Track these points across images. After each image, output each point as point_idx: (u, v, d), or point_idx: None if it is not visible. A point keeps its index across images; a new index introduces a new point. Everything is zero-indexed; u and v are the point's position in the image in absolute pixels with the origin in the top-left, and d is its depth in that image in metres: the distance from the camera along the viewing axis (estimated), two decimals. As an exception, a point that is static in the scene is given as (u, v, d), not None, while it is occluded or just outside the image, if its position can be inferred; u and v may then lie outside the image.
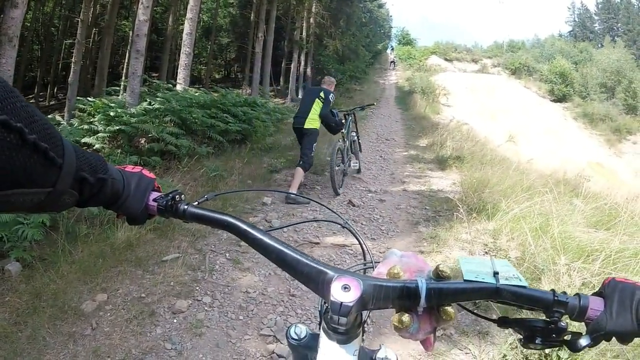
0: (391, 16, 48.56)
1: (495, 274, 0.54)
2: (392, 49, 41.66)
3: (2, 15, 6.01)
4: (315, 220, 0.96)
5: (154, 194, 0.72)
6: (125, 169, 0.70)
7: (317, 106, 5.21)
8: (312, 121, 5.20)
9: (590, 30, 55.66)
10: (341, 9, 19.24)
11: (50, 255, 3.06)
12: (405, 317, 0.53)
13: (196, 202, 0.73)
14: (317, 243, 3.94)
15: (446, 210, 4.98)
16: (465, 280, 0.54)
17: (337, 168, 5.30)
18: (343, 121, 5.78)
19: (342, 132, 5.72)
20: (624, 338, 0.50)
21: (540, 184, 5.36)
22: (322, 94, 5.26)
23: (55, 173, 0.46)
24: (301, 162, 5.15)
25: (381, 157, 8.45)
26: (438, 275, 0.55)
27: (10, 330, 2.35)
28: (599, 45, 44.21)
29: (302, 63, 19.64)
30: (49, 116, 8.86)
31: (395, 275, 0.56)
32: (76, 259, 3.08)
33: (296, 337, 0.67)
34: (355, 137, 6.44)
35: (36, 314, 2.51)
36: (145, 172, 0.73)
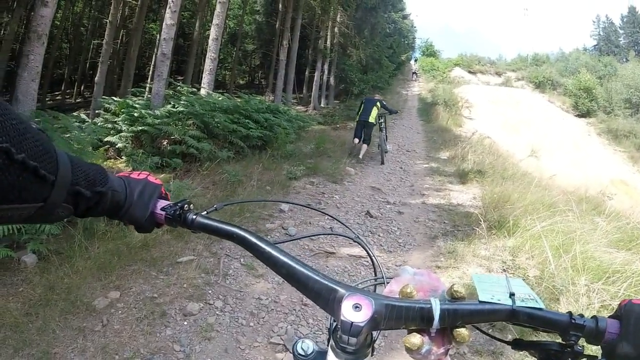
0: (415, 27, 48.38)
1: (512, 295, 0.52)
2: (416, 60, 41.47)
3: (32, 13, 6.18)
4: (324, 234, 0.94)
5: (162, 202, 0.70)
6: (131, 176, 0.69)
7: (375, 109, 8.52)
8: (372, 118, 8.42)
9: (615, 44, 54.33)
10: (366, 19, 19.25)
11: (67, 250, 3.11)
12: (417, 339, 0.51)
13: (205, 212, 0.71)
14: (333, 253, 3.91)
15: (465, 225, 4.90)
16: (480, 302, 0.52)
17: (385, 146, 8.66)
18: (380, 121, 8.82)
19: (381, 127, 8.78)
20: None
21: (562, 201, 5.23)
22: (378, 103, 8.66)
23: (47, 189, 0.45)
24: (366, 140, 8.50)
25: (401, 168, 8.38)
26: (452, 295, 0.53)
27: (21, 321, 2.39)
28: (624, 60, 43.18)
29: (326, 72, 19.70)
30: (74, 113, 9.07)
31: (408, 295, 0.53)
32: (92, 255, 3.12)
33: (303, 353, 0.65)
34: (385, 131, 9.12)
35: (48, 307, 2.54)
36: (151, 178, 0.71)
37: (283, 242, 0.75)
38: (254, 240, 0.63)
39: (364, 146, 8.49)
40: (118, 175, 0.66)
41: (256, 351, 2.49)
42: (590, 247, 3.58)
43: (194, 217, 0.69)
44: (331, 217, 0.90)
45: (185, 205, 0.70)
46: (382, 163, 8.43)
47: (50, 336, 2.35)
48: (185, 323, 2.66)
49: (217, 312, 2.81)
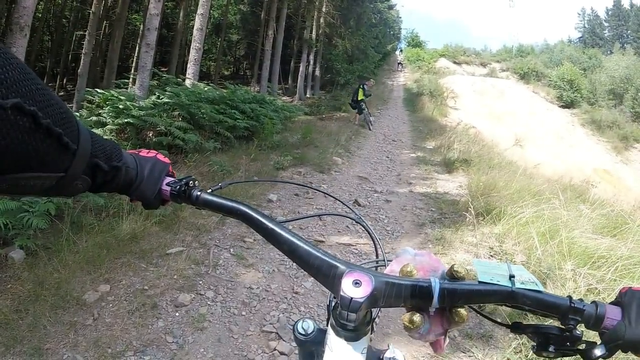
0: (401, 18, 48.48)
1: (511, 277, 0.52)
2: (401, 51, 41.54)
3: (14, 5, 6.03)
4: (329, 214, 0.93)
5: (168, 179, 0.71)
6: (140, 154, 0.69)
7: (360, 91, 11.63)
8: (359, 96, 11.61)
9: (600, 36, 55.19)
10: (351, 9, 19.14)
11: (55, 244, 3.07)
12: (417, 317, 0.51)
13: (210, 190, 0.72)
14: (322, 241, 3.93)
15: (452, 212, 4.96)
16: (479, 282, 0.52)
17: (369, 118, 11.95)
18: (363, 104, 11.75)
19: (364, 106, 11.77)
20: None
21: (547, 189, 5.32)
22: (362, 86, 11.80)
23: (69, 158, 0.45)
24: (358, 112, 11.86)
25: (388, 157, 8.43)
26: (452, 275, 0.53)
27: (11, 318, 2.36)
28: (609, 52, 43.73)
29: (311, 62, 19.59)
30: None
31: (408, 274, 0.54)
32: (80, 249, 3.09)
33: (303, 332, 0.65)
34: (367, 110, 12.01)
35: (38, 302, 2.51)
36: (160, 156, 0.72)
37: (287, 221, 0.76)
38: (257, 217, 0.63)
39: (358, 116, 11.99)
40: (129, 152, 0.66)
41: (249, 340, 2.50)
42: (575, 233, 3.65)
43: (199, 193, 0.69)
44: (335, 198, 0.90)
45: (190, 182, 0.70)
46: (370, 129, 11.60)
47: (41, 332, 2.32)
48: (177, 314, 2.65)
49: (208, 303, 2.81)
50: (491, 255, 3.82)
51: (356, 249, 3.83)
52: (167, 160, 0.72)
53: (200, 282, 3.04)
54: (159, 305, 2.70)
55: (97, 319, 2.51)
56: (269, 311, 2.81)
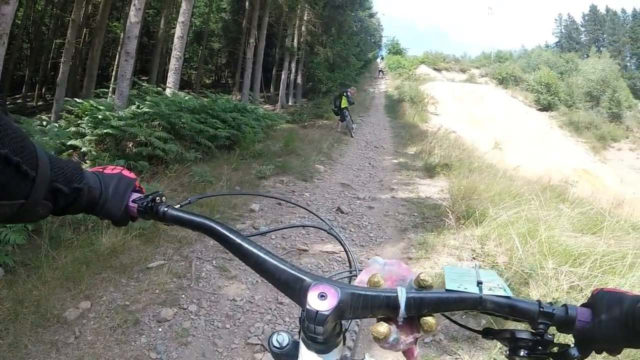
0: (382, 26, 48.95)
1: (479, 283, 0.52)
2: (382, 58, 41.83)
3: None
4: (299, 226, 0.95)
5: (135, 195, 0.70)
6: (105, 171, 0.69)
7: (344, 99, 11.70)
8: (342, 104, 11.69)
9: (577, 41, 56.55)
10: (333, 17, 19.26)
11: (33, 261, 3.00)
12: (384, 328, 0.52)
13: (178, 205, 0.71)
14: (306, 250, 3.92)
15: (434, 217, 5.00)
16: (447, 290, 0.52)
17: (351, 125, 11.91)
18: (346, 112, 11.78)
19: (347, 114, 11.79)
20: (613, 348, 0.49)
21: (527, 191, 5.40)
22: (345, 94, 11.87)
23: (28, 185, 0.46)
24: (341, 119, 11.94)
25: (370, 164, 8.47)
26: (419, 284, 0.53)
27: (-10, 338, 2.30)
28: (585, 56, 44.70)
29: (293, 70, 19.64)
30: (36, 117, 8.77)
31: (376, 284, 0.54)
32: (59, 264, 3.03)
33: (278, 345, 0.66)
34: (349, 117, 11.97)
35: (18, 321, 2.45)
36: (126, 172, 0.71)
37: (255, 234, 0.76)
38: (224, 231, 0.63)
39: (340, 123, 12.16)
40: (92, 171, 0.66)
41: (234, 353, 2.48)
42: (555, 232, 3.71)
43: (166, 209, 0.69)
44: (305, 209, 0.91)
45: (157, 198, 0.70)
46: (351, 136, 11.68)
47: (23, 352, 2.27)
48: (160, 329, 2.62)
49: (192, 317, 2.78)
50: (473, 258, 3.86)
51: (340, 257, 3.82)
52: (132, 175, 0.72)
53: (183, 295, 3.00)
54: (141, 321, 2.66)
55: (79, 336, 2.46)
56: (254, 323, 2.79)
